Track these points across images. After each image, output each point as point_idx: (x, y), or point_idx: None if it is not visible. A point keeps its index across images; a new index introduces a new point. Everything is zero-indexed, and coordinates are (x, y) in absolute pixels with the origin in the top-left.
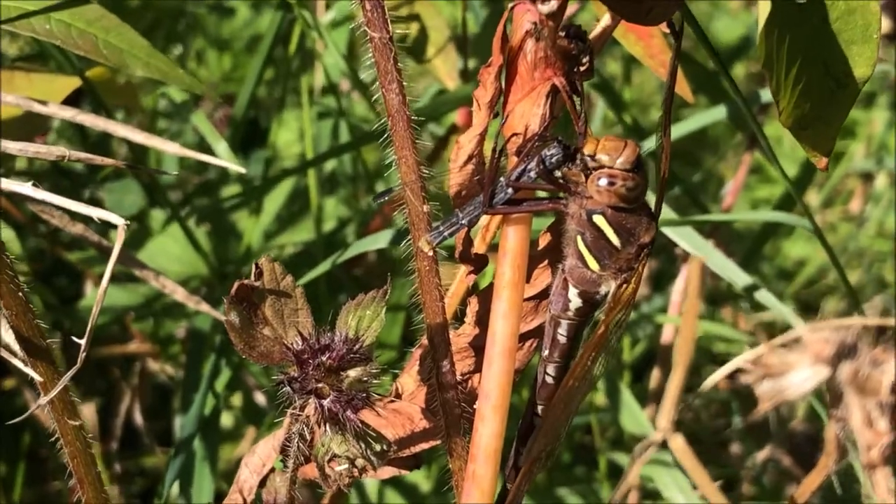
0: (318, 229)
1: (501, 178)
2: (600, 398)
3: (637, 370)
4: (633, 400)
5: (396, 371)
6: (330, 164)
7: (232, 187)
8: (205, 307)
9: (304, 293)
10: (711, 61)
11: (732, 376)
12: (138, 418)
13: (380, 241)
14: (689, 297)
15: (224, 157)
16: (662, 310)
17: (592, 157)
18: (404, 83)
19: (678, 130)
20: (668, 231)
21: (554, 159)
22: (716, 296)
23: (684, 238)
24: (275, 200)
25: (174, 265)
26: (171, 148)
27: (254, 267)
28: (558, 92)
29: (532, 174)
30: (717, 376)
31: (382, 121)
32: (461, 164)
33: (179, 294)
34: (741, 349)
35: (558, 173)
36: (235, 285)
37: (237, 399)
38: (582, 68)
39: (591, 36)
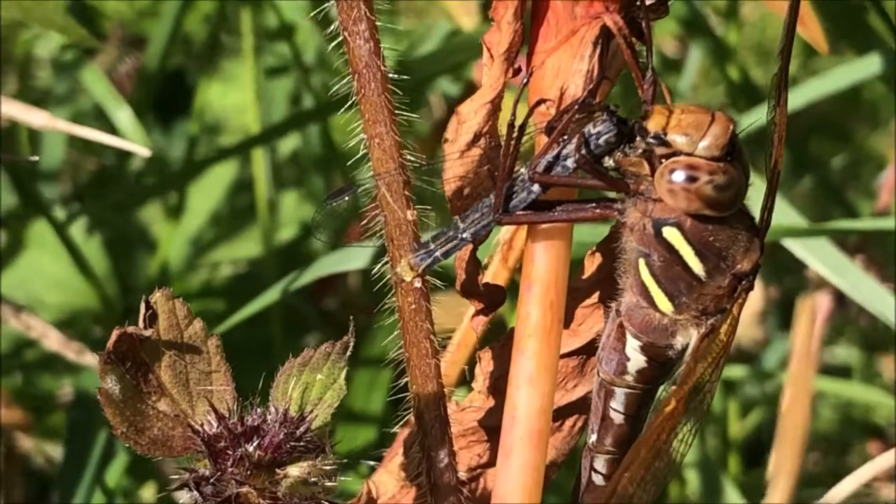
0: (270, 239)
1: (523, 170)
2: (692, 487)
3: (750, 450)
4: (740, 498)
5: (372, 463)
6: (290, 143)
7: (147, 179)
8: (90, 359)
9: (222, 346)
10: None
11: None
12: None
13: (357, 257)
14: (798, 355)
15: (127, 131)
16: (786, 362)
17: (662, 137)
18: (378, 21)
19: (811, 91)
20: (795, 246)
21: (603, 140)
22: (873, 337)
23: (818, 255)
24: (206, 195)
25: (55, 293)
26: (35, 118)
27: (143, 306)
28: (611, 37)
29: (570, 163)
30: (843, 489)
31: (345, 80)
32: (463, 148)
33: (52, 339)
34: None
35: (610, 162)
36: (114, 335)
37: (149, 492)
38: (648, 1)
39: None
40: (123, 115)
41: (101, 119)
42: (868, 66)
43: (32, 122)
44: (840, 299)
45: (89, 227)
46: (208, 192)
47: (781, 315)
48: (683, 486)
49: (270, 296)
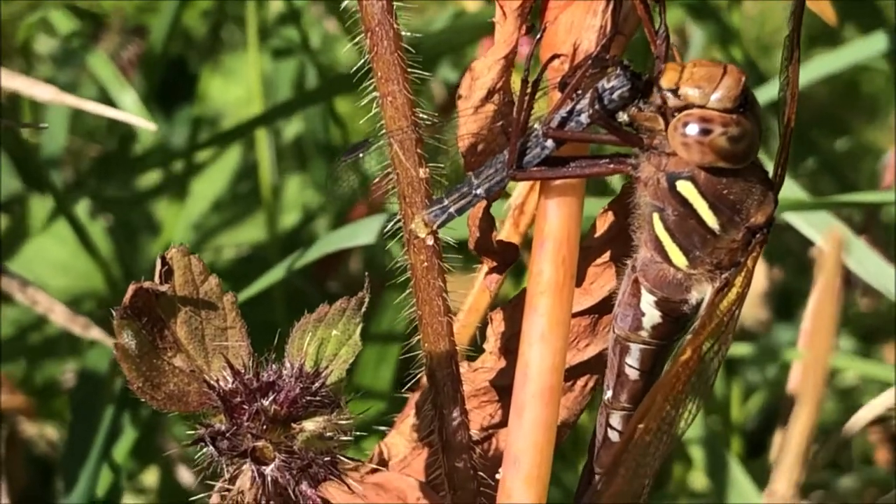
0: (274, 223)
1: (537, 125)
2: (699, 477)
3: (754, 436)
4: (746, 478)
5: (383, 428)
6: (294, 128)
7: (149, 163)
8: (96, 333)
9: (238, 306)
10: None
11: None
12: None
13: (363, 233)
14: (824, 290)
15: (131, 113)
16: (790, 344)
17: (675, 91)
18: None
19: (815, 70)
20: (798, 220)
21: (616, 94)
22: (874, 325)
23: (821, 231)
24: (209, 180)
25: (59, 277)
26: (41, 92)
27: (159, 262)
28: None
29: (584, 118)
30: (859, 419)
31: (357, 38)
32: (477, 104)
33: (58, 314)
34: None
35: (624, 116)
36: (131, 290)
37: (151, 476)
38: None
39: None
40: (128, 98)
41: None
42: (873, 45)
43: (39, 96)
44: (843, 283)
45: (92, 212)
46: (212, 176)
47: (784, 299)
48: (688, 466)
49: (275, 274)
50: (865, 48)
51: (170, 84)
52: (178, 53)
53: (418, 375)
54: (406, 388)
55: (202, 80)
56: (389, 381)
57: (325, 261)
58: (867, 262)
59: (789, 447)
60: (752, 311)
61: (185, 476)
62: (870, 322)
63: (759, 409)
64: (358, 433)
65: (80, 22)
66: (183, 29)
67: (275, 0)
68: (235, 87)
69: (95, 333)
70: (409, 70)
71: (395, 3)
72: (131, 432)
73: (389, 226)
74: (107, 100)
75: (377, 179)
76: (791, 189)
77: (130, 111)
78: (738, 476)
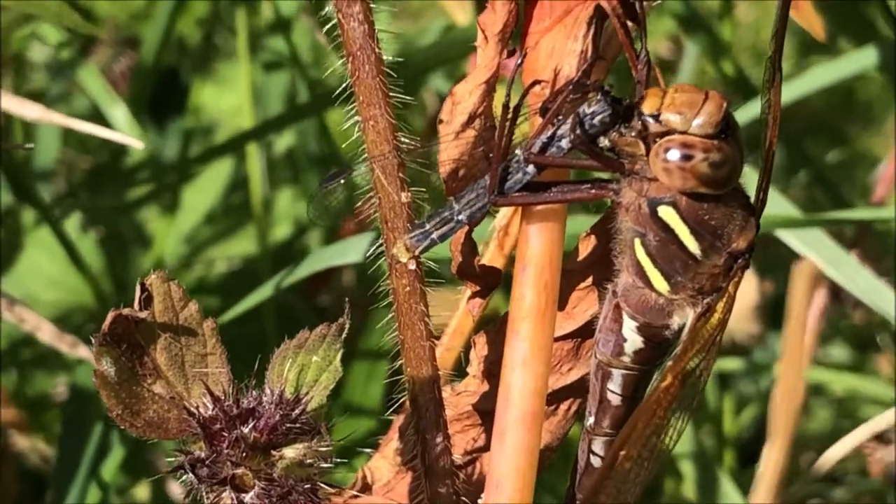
0: (265, 237)
1: (518, 151)
2: (688, 488)
3: (748, 446)
4: (737, 493)
5: (368, 451)
6: (286, 141)
7: (140, 175)
8: (84, 352)
9: (227, 322)
10: None
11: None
12: None
13: (353, 251)
14: (793, 324)
15: (122, 128)
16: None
17: (656, 116)
18: (372, 4)
19: (810, 83)
20: (788, 236)
21: (597, 120)
22: (867, 337)
23: (812, 247)
24: (201, 193)
25: (49, 291)
26: (29, 111)
27: (138, 289)
28: (606, 18)
29: (565, 143)
30: (844, 445)
31: (340, 61)
32: (458, 129)
33: (45, 332)
34: None
35: (605, 142)
36: (110, 317)
37: (143, 491)
38: None
39: None
40: (119, 112)
41: (96, 120)
42: (866, 58)
43: (27, 115)
44: (835, 295)
45: (84, 225)
46: (203, 189)
47: (776, 311)
48: (679, 480)
49: (265, 291)
50: (861, 60)
51: (162, 95)
52: (170, 64)
53: (402, 399)
54: (390, 411)
55: (195, 89)
56: (379, 398)
57: (316, 275)
58: (858, 278)
59: (762, 480)
60: (743, 324)
61: (177, 490)
62: (863, 332)
63: (752, 420)
64: (347, 450)
65: (70, 34)
66: (176, 38)
67: (267, 3)
68: (229, 96)
69: (83, 352)
70: (392, 94)
71: (389, 6)
72: (121, 447)
73: (372, 249)
74: (98, 113)
75: (359, 203)
76: (782, 205)
77: (121, 125)
78: (729, 490)
